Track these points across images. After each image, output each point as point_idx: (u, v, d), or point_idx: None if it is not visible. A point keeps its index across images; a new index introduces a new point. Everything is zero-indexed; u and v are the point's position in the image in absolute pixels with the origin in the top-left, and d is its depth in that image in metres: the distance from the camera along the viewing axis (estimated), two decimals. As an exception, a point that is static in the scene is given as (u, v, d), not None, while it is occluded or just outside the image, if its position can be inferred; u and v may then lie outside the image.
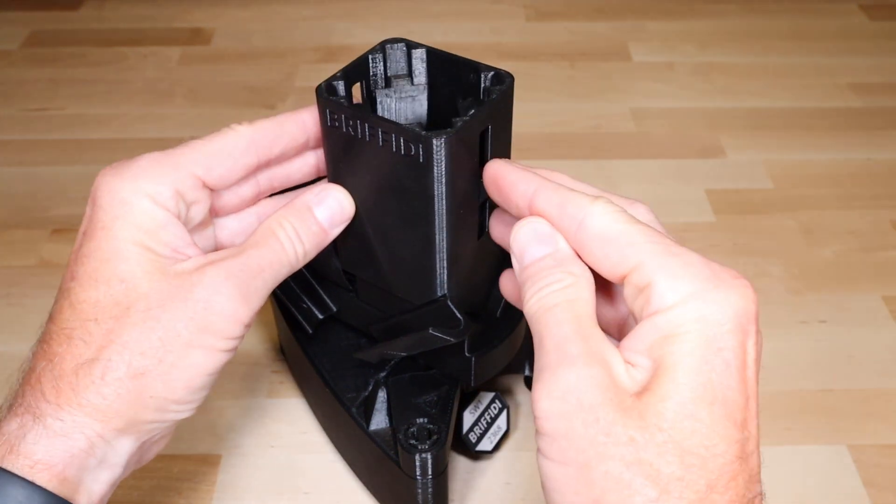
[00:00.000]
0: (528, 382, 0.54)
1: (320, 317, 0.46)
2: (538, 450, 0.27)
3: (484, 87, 0.37)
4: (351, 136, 0.36)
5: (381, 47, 0.39)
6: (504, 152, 0.39)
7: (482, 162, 0.37)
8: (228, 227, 0.38)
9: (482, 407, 0.47)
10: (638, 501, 0.25)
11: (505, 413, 0.49)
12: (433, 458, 0.41)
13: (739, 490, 0.25)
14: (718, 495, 0.25)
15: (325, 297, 0.46)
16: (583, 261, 0.30)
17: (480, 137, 0.36)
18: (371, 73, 0.39)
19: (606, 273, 0.29)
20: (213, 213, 0.37)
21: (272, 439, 0.51)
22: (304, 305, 0.46)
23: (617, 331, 0.33)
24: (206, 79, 0.85)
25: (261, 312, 0.59)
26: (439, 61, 0.39)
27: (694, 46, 0.90)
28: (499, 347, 0.43)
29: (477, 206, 0.38)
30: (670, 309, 0.26)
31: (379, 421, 0.43)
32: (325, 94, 0.36)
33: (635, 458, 0.25)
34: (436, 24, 0.94)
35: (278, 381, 0.55)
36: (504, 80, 0.36)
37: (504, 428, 0.49)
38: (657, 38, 0.91)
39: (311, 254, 0.36)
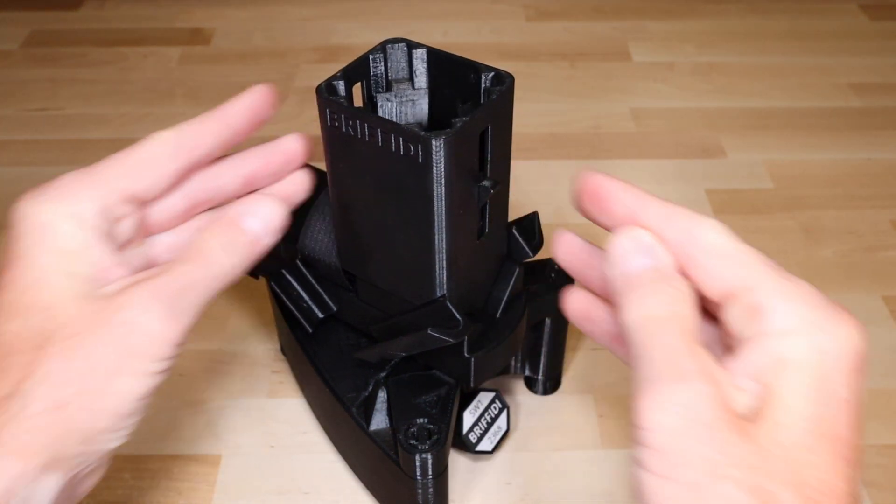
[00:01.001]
0: (528, 382, 0.54)
1: (320, 316, 0.46)
2: (638, 462, 0.26)
3: (484, 87, 0.37)
4: (351, 136, 0.36)
5: (382, 47, 0.39)
6: (504, 152, 0.39)
7: (482, 162, 0.37)
8: (164, 243, 0.37)
9: (482, 407, 0.47)
10: None
11: (505, 413, 0.49)
12: (433, 458, 0.41)
13: None
14: None
15: (325, 296, 0.46)
16: (686, 276, 0.29)
17: (480, 138, 0.36)
18: (371, 74, 0.39)
19: (710, 289, 0.28)
20: (147, 231, 0.36)
21: (272, 439, 0.51)
22: (304, 305, 0.46)
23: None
24: (206, 79, 0.85)
25: (261, 312, 0.59)
26: (439, 62, 0.39)
27: (694, 46, 0.90)
28: (499, 347, 0.43)
29: (477, 207, 0.38)
30: (785, 335, 0.26)
31: (379, 421, 0.43)
32: (326, 94, 0.36)
33: (754, 484, 0.24)
34: (436, 24, 0.94)
35: (278, 381, 0.55)
36: (504, 81, 0.36)
37: (504, 428, 0.49)
38: (657, 38, 0.91)
39: (243, 265, 0.34)
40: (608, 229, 0.31)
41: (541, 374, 0.53)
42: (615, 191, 0.30)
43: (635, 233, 0.29)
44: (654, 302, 0.28)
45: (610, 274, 0.30)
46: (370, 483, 0.48)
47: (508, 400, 0.51)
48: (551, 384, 0.54)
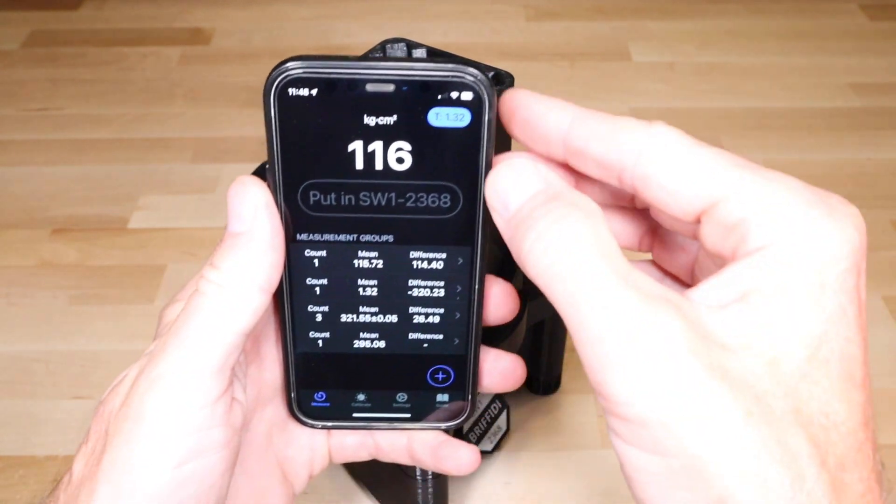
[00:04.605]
0: (528, 382, 0.54)
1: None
2: (617, 434, 0.21)
3: (484, 87, 0.37)
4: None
5: (381, 47, 0.39)
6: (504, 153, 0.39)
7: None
8: None
9: (482, 407, 0.47)
10: (773, 498, 0.19)
11: (505, 413, 0.48)
12: (433, 458, 0.41)
13: (867, 463, 0.21)
14: (849, 474, 0.20)
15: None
16: (646, 200, 0.23)
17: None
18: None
19: (678, 212, 0.23)
20: None
21: (272, 439, 0.51)
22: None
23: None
24: (206, 79, 0.85)
25: (261, 312, 0.59)
26: (439, 61, 0.39)
27: (694, 46, 0.90)
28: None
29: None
30: (771, 246, 0.21)
31: (379, 421, 0.43)
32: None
33: (757, 439, 0.20)
34: (436, 24, 0.94)
35: (278, 381, 0.55)
36: (504, 81, 0.36)
37: (504, 428, 0.49)
38: (657, 38, 0.91)
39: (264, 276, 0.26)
40: (543, 158, 0.25)
41: (541, 374, 0.53)
42: (543, 111, 0.25)
43: (510, 161, 0.24)
44: (554, 233, 0.22)
45: (497, 223, 0.24)
46: (370, 483, 0.48)
47: (508, 400, 0.51)
48: (551, 384, 0.54)
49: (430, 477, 0.42)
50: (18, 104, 0.81)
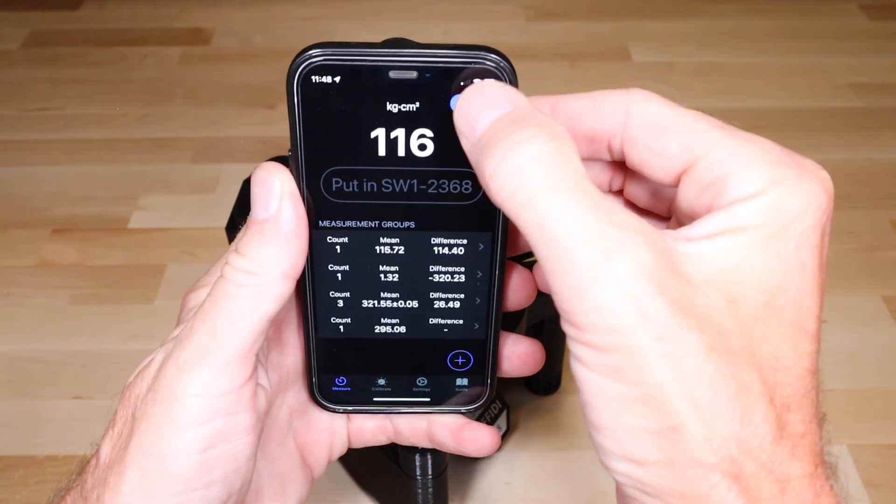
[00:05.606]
0: (528, 382, 0.54)
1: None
2: (580, 360, 0.21)
3: (484, 87, 0.37)
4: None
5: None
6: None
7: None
8: None
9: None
10: (721, 429, 0.20)
11: (505, 413, 0.48)
12: (433, 458, 0.41)
13: (811, 409, 0.22)
14: (792, 415, 0.21)
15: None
16: (631, 164, 0.24)
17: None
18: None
19: (661, 172, 0.24)
20: None
21: (272, 439, 0.51)
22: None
23: None
24: (206, 79, 0.85)
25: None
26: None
27: (694, 46, 0.90)
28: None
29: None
30: (749, 199, 0.22)
31: (379, 421, 0.43)
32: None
33: (718, 373, 0.21)
34: (436, 24, 0.94)
35: (278, 381, 0.55)
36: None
37: (504, 428, 0.49)
38: (657, 38, 0.91)
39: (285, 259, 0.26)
40: None
41: (541, 374, 0.53)
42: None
43: (477, 87, 0.23)
44: (519, 153, 0.21)
45: (465, 149, 0.23)
46: (370, 483, 0.48)
47: (508, 400, 0.51)
48: (551, 384, 0.54)
49: (430, 477, 0.42)
50: (18, 104, 0.81)
